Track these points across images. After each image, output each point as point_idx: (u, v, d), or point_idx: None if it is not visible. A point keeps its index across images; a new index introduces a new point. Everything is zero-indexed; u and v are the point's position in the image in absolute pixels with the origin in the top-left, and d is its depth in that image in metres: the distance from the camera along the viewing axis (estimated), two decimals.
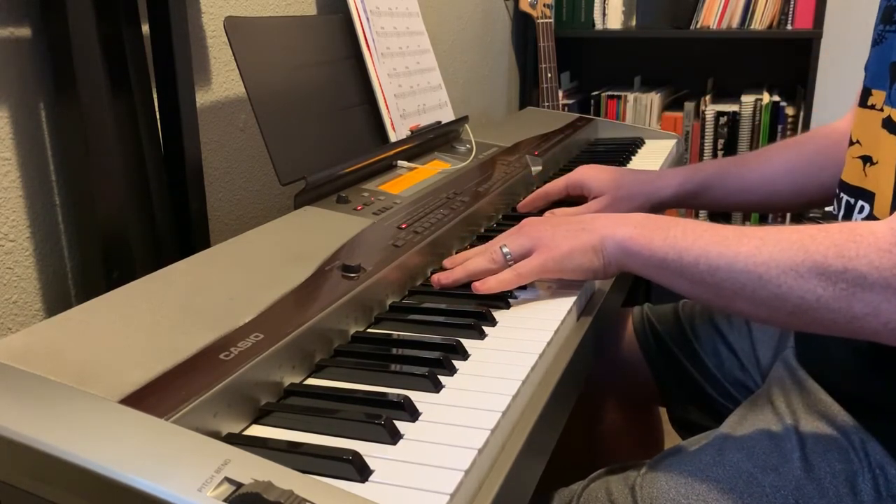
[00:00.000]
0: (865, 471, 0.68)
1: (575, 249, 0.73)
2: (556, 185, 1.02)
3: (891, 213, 0.66)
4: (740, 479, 0.70)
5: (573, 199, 1.03)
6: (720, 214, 2.35)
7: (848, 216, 0.74)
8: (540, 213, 0.99)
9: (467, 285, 0.76)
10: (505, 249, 0.75)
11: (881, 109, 0.71)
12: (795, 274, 0.60)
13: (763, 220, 2.33)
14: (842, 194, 0.76)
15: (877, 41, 0.73)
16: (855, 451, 0.69)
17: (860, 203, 0.73)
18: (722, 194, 1.00)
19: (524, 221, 0.79)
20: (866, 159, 0.72)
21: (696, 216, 2.37)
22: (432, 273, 0.80)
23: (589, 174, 1.01)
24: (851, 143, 0.75)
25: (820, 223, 0.63)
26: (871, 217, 0.71)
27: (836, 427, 0.72)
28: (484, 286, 0.74)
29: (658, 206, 1.01)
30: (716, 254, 0.64)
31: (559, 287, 0.76)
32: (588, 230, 0.73)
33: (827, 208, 0.84)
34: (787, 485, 0.69)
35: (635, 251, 0.70)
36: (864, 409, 0.72)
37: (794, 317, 0.62)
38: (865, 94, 0.74)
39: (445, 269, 0.79)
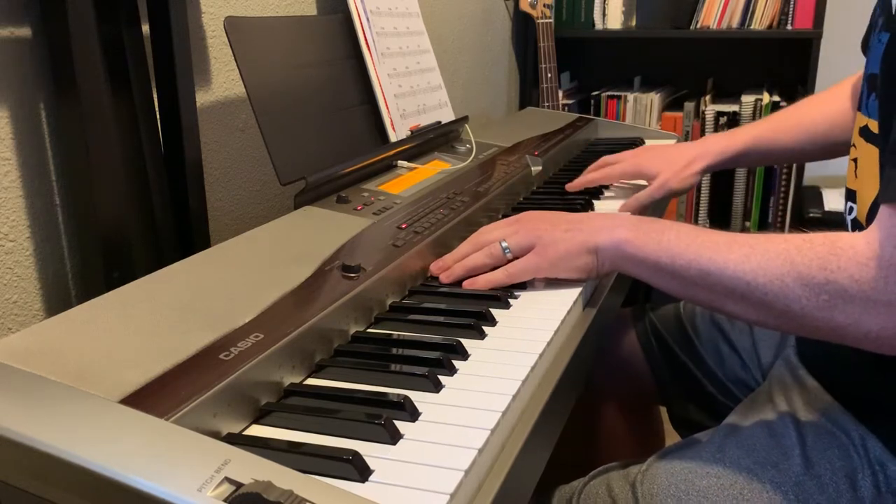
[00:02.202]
0: (865, 467, 0.69)
1: (571, 251, 0.74)
2: (612, 175, 1.09)
3: (868, 215, 0.67)
4: (740, 475, 0.71)
5: None
6: (718, 216, 2.35)
7: (845, 217, 0.76)
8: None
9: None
10: (504, 244, 0.76)
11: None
12: (781, 283, 0.62)
13: (763, 220, 2.34)
14: (846, 199, 0.78)
15: (871, 48, 0.74)
16: (855, 448, 0.70)
17: (849, 204, 0.75)
18: (761, 157, 1.06)
19: (522, 216, 0.80)
20: (856, 161, 0.74)
21: (696, 216, 2.37)
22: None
23: (643, 162, 1.08)
24: (851, 146, 0.76)
25: (815, 228, 0.65)
26: (857, 219, 0.73)
27: (836, 424, 0.72)
28: (473, 285, 0.76)
29: (709, 170, 1.06)
30: (707, 259, 0.67)
31: (560, 286, 0.76)
32: (585, 231, 0.74)
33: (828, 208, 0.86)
34: (787, 481, 0.69)
35: (630, 253, 0.72)
36: (864, 407, 0.72)
37: (782, 321, 0.65)
38: (862, 97, 0.74)
39: (444, 261, 0.80)
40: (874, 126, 0.69)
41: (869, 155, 0.70)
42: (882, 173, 0.62)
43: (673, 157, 1.06)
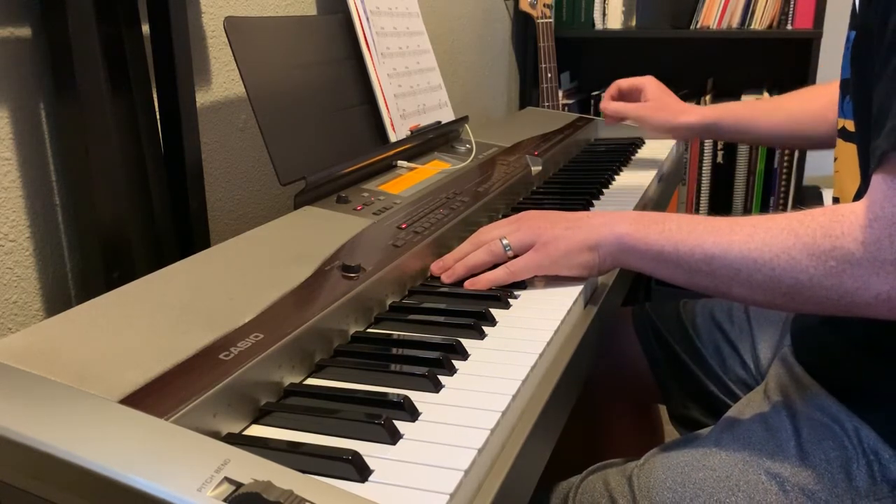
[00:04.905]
0: (860, 457, 0.69)
1: (571, 248, 0.74)
2: (626, 83, 1.30)
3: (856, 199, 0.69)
4: (736, 467, 0.71)
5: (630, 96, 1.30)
6: (719, 212, 2.35)
7: None
8: None
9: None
10: (505, 241, 0.76)
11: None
12: (788, 256, 0.63)
13: (765, 207, 2.33)
14: None
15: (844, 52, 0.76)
16: (849, 438, 0.70)
17: None
18: (735, 134, 1.19)
19: (522, 214, 0.80)
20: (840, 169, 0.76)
21: (697, 210, 2.37)
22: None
23: (652, 84, 1.28)
24: (834, 159, 0.78)
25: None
26: None
27: (829, 416, 0.73)
28: (475, 285, 0.76)
29: (685, 130, 1.21)
30: (710, 243, 0.67)
31: (560, 286, 0.76)
32: (585, 228, 0.74)
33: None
34: (782, 472, 0.70)
35: (632, 245, 0.72)
36: (856, 397, 0.72)
37: (789, 297, 0.65)
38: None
39: (444, 260, 0.80)
40: (850, 126, 0.71)
41: (848, 153, 0.72)
42: (869, 149, 0.63)
43: (671, 100, 1.25)
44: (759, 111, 1.16)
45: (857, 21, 0.68)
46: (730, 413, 0.80)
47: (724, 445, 0.73)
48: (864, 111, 0.65)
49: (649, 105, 1.25)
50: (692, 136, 1.24)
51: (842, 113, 0.73)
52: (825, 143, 1.04)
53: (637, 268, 0.73)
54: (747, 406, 0.80)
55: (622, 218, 0.74)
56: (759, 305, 0.79)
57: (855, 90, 0.69)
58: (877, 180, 0.61)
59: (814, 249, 0.62)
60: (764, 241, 0.64)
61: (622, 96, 1.30)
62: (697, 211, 2.37)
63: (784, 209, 2.30)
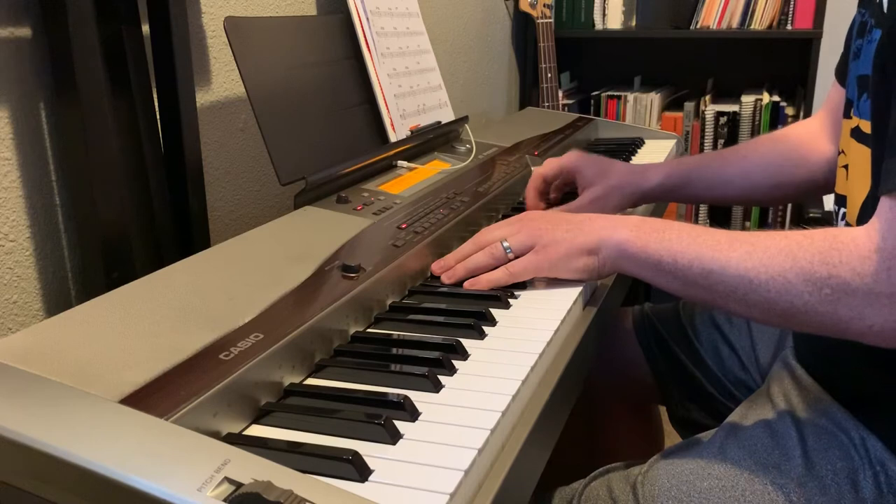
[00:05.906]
0: (866, 467, 0.69)
1: (572, 252, 0.74)
2: (552, 171, 0.99)
3: (860, 217, 0.68)
4: (742, 476, 0.71)
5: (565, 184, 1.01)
6: (719, 216, 2.35)
7: (834, 223, 0.76)
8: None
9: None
10: (506, 244, 0.76)
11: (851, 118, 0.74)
12: (784, 280, 0.63)
13: (763, 221, 2.34)
14: (835, 204, 0.78)
15: (856, 55, 0.75)
16: (856, 449, 0.70)
17: (841, 210, 0.75)
18: (703, 186, 1.00)
19: (523, 215, 0.80)
20: (847, 167, 0.74)
21: (696, 217, 2.37)
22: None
23: (582, 163, 0.98)
24: (839, 154, 0.77)
25: (815, 227, 0.65)
26: (848, 223, 0.73)
27: (836, 424, 0.72)
28: (475, 285, 0.76)
29: (644, 198, 1.00)
30: (709, 258, 0.67)
31: (560, 286, 0.76)
32: (586, 231, 0.74)
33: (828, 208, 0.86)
34: (788, 482, 0.69)
35: (632, 253, 0.72)
36: (863, 407, 0.72)
37: (785, 318, 0.65)
38: (848, 105, 0.75)
39: (445, 261, 0.80)
40: (866, 127, 0.69)
41: (860, 156, 0.71)
42: (881, 166, 0.62)
43: (611, 172, 0.98)
44: (725, 153, 1.02)
45: (885, 22, 0.66)
46: (733, 417, 0.80)
47: (729, 453, 0.73)
48: (883, 112, 0.64)
49: (597, 193, 0.96)
50: (657, 199, 1.02)
51: (856, 111, 0.72)
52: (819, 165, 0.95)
53: (635, 274, 0.73)
54: (750, 409, 0.79)
55: (624, 223, 0.74)
56: (758, 321, 0.78)
57: (875, 90, 0.67)
58: (884, 205, 0.60)
59: (810, 275, 0.61)
60: (761, 261, 0.64)
61: (551, 188, 1.02)
62: (697, 212, 2.37)
63: (784, 209, 2.30)
